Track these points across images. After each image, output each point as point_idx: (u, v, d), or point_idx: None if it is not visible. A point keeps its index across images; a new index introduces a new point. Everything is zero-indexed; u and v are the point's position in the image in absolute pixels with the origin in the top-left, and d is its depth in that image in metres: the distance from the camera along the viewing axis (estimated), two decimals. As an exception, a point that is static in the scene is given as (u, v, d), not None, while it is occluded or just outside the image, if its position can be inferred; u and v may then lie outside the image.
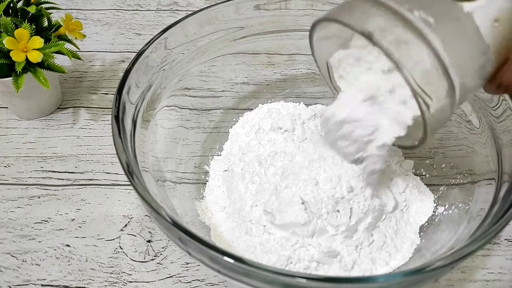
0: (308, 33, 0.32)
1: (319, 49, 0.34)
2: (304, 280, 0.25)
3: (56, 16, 0.48)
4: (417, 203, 0.41)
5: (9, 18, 0.43)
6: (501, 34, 0.26)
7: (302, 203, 0.35)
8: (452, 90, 0.27)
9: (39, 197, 0.44)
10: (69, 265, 0.39)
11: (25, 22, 0.43)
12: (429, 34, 0.25)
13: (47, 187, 0.45)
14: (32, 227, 0.42)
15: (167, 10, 0.67)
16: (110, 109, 0.42)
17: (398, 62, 0.25)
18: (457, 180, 0.40)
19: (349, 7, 0.28)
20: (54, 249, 0.40)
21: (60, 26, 0.47)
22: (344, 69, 0.34)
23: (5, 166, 0.47)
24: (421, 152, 0.44)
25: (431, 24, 0.25)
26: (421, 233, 0.39)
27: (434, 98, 0.26)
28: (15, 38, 0.42)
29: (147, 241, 0.41)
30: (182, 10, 0.67)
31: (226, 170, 0.44)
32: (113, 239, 0.41)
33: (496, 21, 0.26)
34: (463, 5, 0.26)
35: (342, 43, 0.33)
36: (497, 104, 0.36)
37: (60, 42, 0.45)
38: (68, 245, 0.41)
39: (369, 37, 0.26)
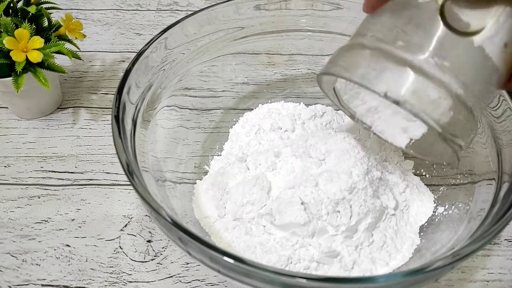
0: (308, 33, 0.32)
1: (325, 78, 0.34)
2: (304, 280, 0.25)
3: (56, 16, 0.48)
4: (417, 203, 0.41)
5: (9, 18, 0.43)
6: (510, 55, 0.27)
7: (302, 203, 0.35)
8: (476, 123, 0.28)
9: (39, 197, 0.44)
10: (69, 265, 0.39)
11: (25, 22, 0.43)
12: (448, 80, 0.26)
13: (47, 187, 0.45)
14: (32, 227, 0.42)
15: (167, 10, 0.67)
16: (110, 109, 0.42)
17: (428, 121, 0.26)
18: (457, 180, 0.40)
19: (362, 60, 0.27)
20: (54, 249, 0.40)
21: (60, 26, 0.47)
22: (351, 90, 0.34)
23: (5, 166, 0.47)
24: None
25: (447, 68, 0.26)
26: (421, 233, 0.39)
27: (462, 135, 0.28)
28: (15, 38, 0.42)
29: (147, 241, 0.41)
30: (182, 10, 0.67)
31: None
32: (113, 239, 0.41)
33: (505, 47, 0.26)
34: (473, 39, 0.26)
35: None
36: (497, 104, 0.36)
37: (60, 42, 0.45)
38: (68, 245, 0.41)
39: (396, 103, 0.26)
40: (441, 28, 0.26)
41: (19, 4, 0.47)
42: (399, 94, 0.26)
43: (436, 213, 0.40)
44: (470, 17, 0.26)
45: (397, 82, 0.26)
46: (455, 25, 0.26)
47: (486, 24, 0.25)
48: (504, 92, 0.36)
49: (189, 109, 0.45)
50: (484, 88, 0.27)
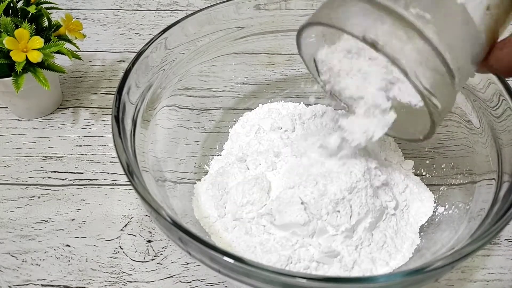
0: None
1: (305, 46, 0.34)
2: (304, 280, 0.25)
3: (56, 16, 0.48)
4: (417, 203, 0.41)
5: (9, 18, 0.43)
6: (491, 20, 0.26)
7: (302, 203, 0.35)
8: (454, 85, 0.27)
9: (39, 197, 0.44)
10: (69, 265, 0.39)
11: (25, 22, 0.43)
12: (430, 33, 0.25)
13: (47, 187, 0.45)
14: (32, 227, 0.42)
15: (167, 10, 0.67)
16: (110, 109, 0.42)
17: (405, 70, 0.25)
18: (457, 180, 0.40)
19: (342, 7, 0.27)
20: (54, 249, 0.40)
21: (60, 26, 0.47)
22: (332, 61, 0.34)
23: (5, 166, 0.47)
24: (421, 152, 0.44)
25: (428, 20, 0.25)
26: (421, 233, 0.39)
27: (440, 97, 0.27)
28: (15, 38, 0.42)
29: (147, 241, 0.41)
30: (182, 10, 0.67)
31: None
32: (113, 239, 0.41)
33: (488, 9, 0.26)
34: None
35: (328, 39, 0.33)
36: (497, 104, 0.36)
37: (60, 42, 0.45)
38: (68, 245, 0.41)
39: (372, 45, 0.25)
40: None
41: (19, 4, 0.47)
42: (377, 37, 0.25)
43: (436, 213, 0.40)
44: None
45: (377, 27, 0.26)
46: None
47: None
48: (504, 92, 0.36)
49: (189, 109, 0.45)
50: (465, 52, 0.27)
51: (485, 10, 0.26)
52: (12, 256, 0.40)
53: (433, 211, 0.40)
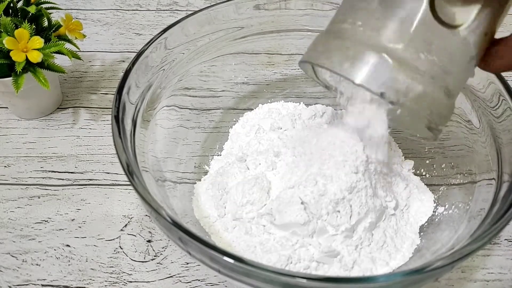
0: (308, 33, 0.32)
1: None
2: (304, 280, 0.25)
3: (56, 16, 0.48)
4: (417, 203, 0.41)
5: (9, 18, 0.43)
6: (487, 41, 0.27)
7: (302, 203, 0.35)
8: (453, 108, 0.29)
9: (39, 197, 0.44)
10: (69, 265, 0.39)
11: (25, 22, 0.43)
12: (440, 78, 0.26)
13: (47, 187, 0.45)
14: (32, 227, 0.42)
15: (167, 10, 0.67)
16: (110, 109, 0.42)
17: (422, 118, 0.27)
18: (457, 180, 0.40)
19: (354, 54, 0.27)
20: (54, 249, 0.40)
21: (60, 26, 0.47)
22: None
23: (5, 166, 0.47)
24: (421, 152, 0.44)
25: (435, 62, 0.26)
26: (421, 233, 0.39)
27: (443, 123, 0.28)
28: (15, 38, 0.42)
29: (147, 241, 0.41)
30: (182, 10, 0.67)
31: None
32: (113, 239, 0.41)
33: (485, 35, 0.27)
34: (460, 32, 0.26)
35: None
36: (497, 104, 0.36)
37: (60, 42, 0.45)
38: (68, 245, 0.41)
39: (393, 103, 0.26)
40: (430, 20, 0.26)
41: (19, 4, 0.47)
42: (397, 95, 0.26)
43: (436, 213, 0.40)
44: (456, 9, 0.26)
45: (392, 81, 0.26)
46: (443, 17, 0.26)
47: (471, 16, 0.26)
48: (504, 92, 0.36)
49: (189, 109, 0.45)
50: (466, 76, 0.28)
51: (483, 37, 0.27)
52: (12, 256, 0.40)
53: (433, 211, 0.40)
